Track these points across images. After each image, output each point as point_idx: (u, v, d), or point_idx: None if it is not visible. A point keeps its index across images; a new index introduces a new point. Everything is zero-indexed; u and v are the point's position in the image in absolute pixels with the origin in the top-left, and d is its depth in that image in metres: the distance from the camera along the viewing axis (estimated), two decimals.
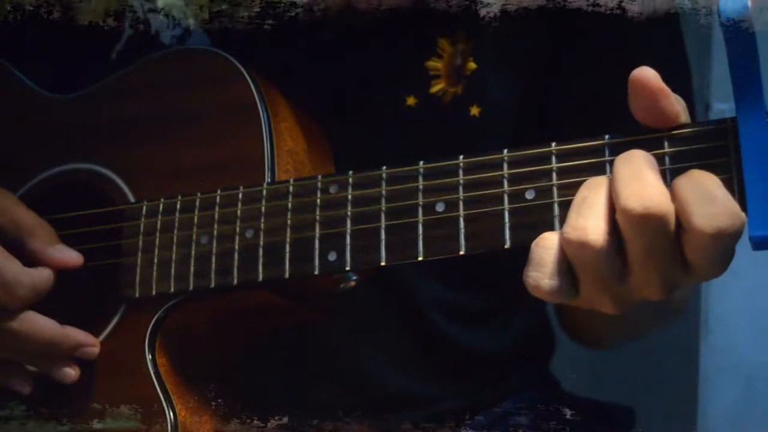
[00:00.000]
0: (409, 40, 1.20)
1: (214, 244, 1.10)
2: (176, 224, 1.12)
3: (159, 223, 1.13)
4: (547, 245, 0.91)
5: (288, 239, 1.06)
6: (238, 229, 1.09)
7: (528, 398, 1.34)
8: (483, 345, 1.31)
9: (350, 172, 1.06)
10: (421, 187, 1.01)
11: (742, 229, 0.88)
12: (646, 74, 0.90)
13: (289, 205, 1.07)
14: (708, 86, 1.85)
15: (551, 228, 0.95)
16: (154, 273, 1.12)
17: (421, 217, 1.01)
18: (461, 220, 0.99)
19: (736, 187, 0.89)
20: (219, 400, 1.16)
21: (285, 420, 1.25)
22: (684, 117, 0.93)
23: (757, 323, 1.80)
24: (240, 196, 1.10)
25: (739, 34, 0.86)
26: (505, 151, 0.98)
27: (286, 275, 1.06)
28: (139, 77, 1.20)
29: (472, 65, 1.20)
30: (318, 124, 1.20)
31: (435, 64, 1.20)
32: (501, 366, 1.33)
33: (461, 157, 1.00)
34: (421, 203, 1.01)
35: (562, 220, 0.93)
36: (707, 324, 1.81)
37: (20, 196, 1.21)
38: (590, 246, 0.89)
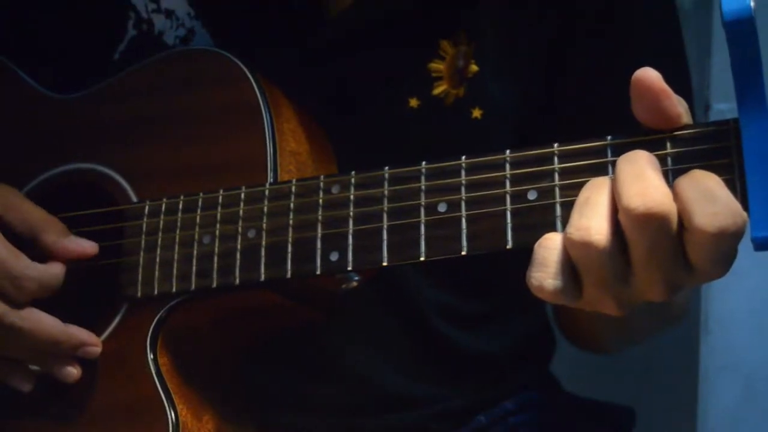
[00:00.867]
0: (412, 42, 1.20)
1: (217, 244, 1.10)
2: (178, 224, 1.12)
3: (161, 222, 1.13)
4: (550, 246, 0.91)
5: (290, 239, 1.07)
6: (240, 229, 1.09)
7: (528, 398, 1.34)
8: (483, 346, 1.31)
9: (352, 172, 1.06)
10: (423, 187, 1.01)
11: (744, 228, 0.88)
12: (649, 75, 0.90)
13: (292, 205, 1.07)
14: (708, 86, 1.85)
15: (553, 229, 0.95)
16: (156, 272, 1.12)
17: (423, 218, 1.01)
18: (463, 220, 0.99)
19: (738, 188, 0.90)
20: (220, 400, 1.16)
21: (286, 420, 1.25)
22: (686, 118, 0.93)
23: (757, 323, 1.80)
24: (242, 196, 1.10)
25: (741, 34, 0.86)
26: (508, 151, 0.99)
27: (288, 275, 1.06)
28: (142, 77, 1.20)
29: (474, 67, 1.20)
30: (320, 124, 1.20)
31: (437, 65, 1.20)
32: (501, 367, 1.33)
33: (463, 157, 1.00)
34: (423, 204, 1.01)
35: (565, 221, 0.93)
36: (707, 324, 1.80)
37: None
38: (593, 246, 0.89)
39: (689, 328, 1.81)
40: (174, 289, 1.12)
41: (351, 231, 1.04)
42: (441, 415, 1.28)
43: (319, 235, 1.05)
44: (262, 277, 1.08)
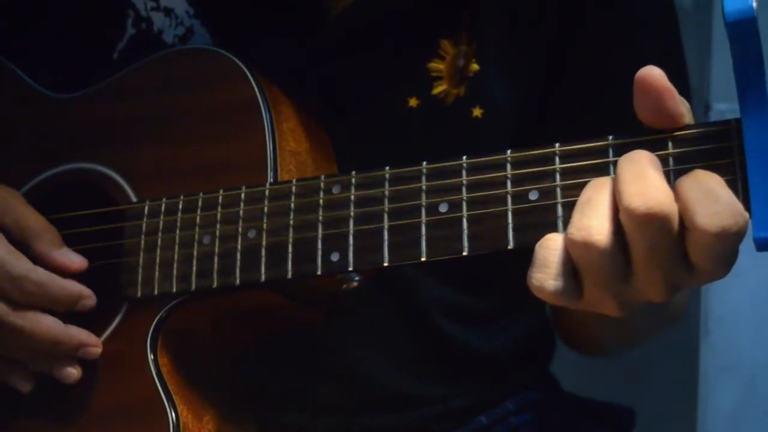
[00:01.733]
0: (412, 42, 1.20)
1: (217, 244, 1.10)
2: (178, 224, 1.12)
3: (161, 222, 1.13)
4: (551, 246, 0.91)
5: (290, 239, 1.06)
6: (240, 229, 1.09)
7: (528, 398, 1.34)
8: (484, 346, 1.31)
9: (353, 172, 1.05)
10: (424, 187, 1.01)
11: (746, 228, 0.88)
12: (653, 73, 0.90)
13: (292, 205, 1.07)
14: (708, 86, 1.85)
15: (555, 229, 0.95)
16: (157, 273, 1.12)
17: (424, 218, 1.01)
18: (464, 220, 0.99)
19: (740, 188, 0.89)
20: (221, 400, 1.16)
21: (287, 419, 1.25)
22: (688, 118, 0.93)
23: (757, 323, 1.80)
24: (242, 196, 1.10)
25: (743, 34, 0.86)
26: (509, 151, 0.98)
27: (289, 275, 1.06)
28: (141, 77, 1.20)
29: (475, 66, 1.20)
30: (320, 124, 1.20)
31: (437, 65, 1.20)
32: (502, 367, 1.33)
33: (464, 157, 1.00)
34: (424, 204, 1.01)
35: (566, 221, 0.93)
36: (707, 324, 1.80)
37: (22, 196, 1.21)
38: (594, 246, 0.89)
39: (689, 328, 1.81)
40: (174, 290, 1.11)
41: (352, 231, 1.04)
42: (442, 415, 1.28)
43: (320, 235, 1.05)
44: (263, 278, 1.07)
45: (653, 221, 0.87)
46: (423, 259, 1.00)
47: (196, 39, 1.24)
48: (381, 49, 1.21)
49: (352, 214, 1.04)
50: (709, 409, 1.80)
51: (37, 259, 1.15)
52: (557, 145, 0.97)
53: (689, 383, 1.82)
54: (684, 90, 1.18)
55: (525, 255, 0.93)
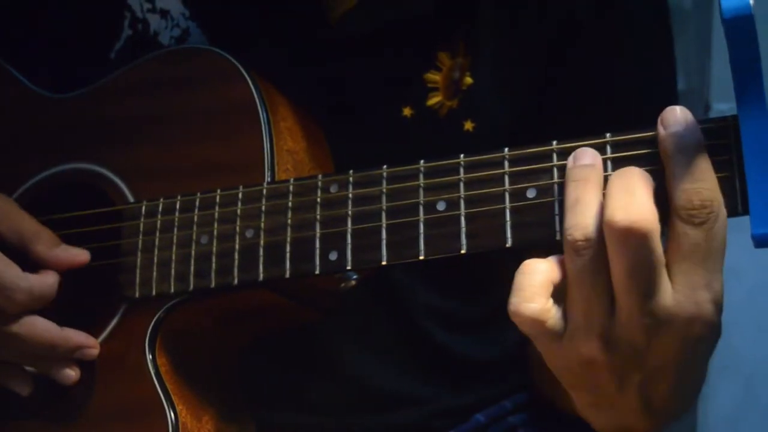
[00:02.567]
0: (410, 52, 1.20)
1: (214, 244, 1.10)
2: (176, 224, 1.12)
3: (159, 222, 1.13)
4: (526, 270, 0.90)
5: (288, 239, 1.06)
6: (238, 229, 1.09)
7: (526, 398, 1.34)
8: (477, 353, 1.31)
9: (351, 171, 1.05)
10: (422, 185, 1.01)
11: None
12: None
13: (290, 204, 1.07)
14: (708, 86, 1.85)
15: (552, 227, 0.94)
16: (154, 273, 1.12)
17: (422, 216, 1.00)
18: (462, 218, 0.99)
19: (738, 185, 0.89)
20: (219, 400, 1.16)
21: (285, 419, 1.25)
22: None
23: (757, 323, 1.80)
24: (240, 195, 1.09)
25: (741, 32, 0.86)
26: (506, 149, 0.98)
27: (287, 275, 1.06)
28: (137, 77, 1.20)
29: (469, 80, 1.20)
30: (317, 123, 1.19)
31: (434, 76, 1.20)
32: (497, 370, 1.33)
33: (462, 155, 1.00)
34: (422, 202, 1.01)
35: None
36: None
37: (19, 197, 1.21)
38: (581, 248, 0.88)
39: None
40: (172, 290, 1.11)
41: (349, 230, 1.04)
42: (439, 414, 1.28)
43: (318, 234, 1.05)
44: (261, 277, 1.07)
45: (633, 236, 0.86)
46: (421, 257, 1.00)
47: (192, 41, 1.24)
48: (379, 57, 1.21)
49: (349, 212, 1.04)
50: (709, 409, 1.79)
51: (39, 263, 1.15)
52: (555, 142, 0.96)
53: None
54: (671, 95, 1.19)
55: (518, 262, 0.92)
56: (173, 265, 1.11)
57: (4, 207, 1.17)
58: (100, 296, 1.15)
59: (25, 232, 1.15)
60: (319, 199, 1.06)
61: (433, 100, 1.20)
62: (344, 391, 1.26)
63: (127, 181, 1.17)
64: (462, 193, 0.99)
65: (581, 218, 0.89)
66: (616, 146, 0.94)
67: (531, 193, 0.96)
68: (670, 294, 0.88)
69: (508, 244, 0.96)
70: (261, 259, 1.07)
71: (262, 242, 1.07)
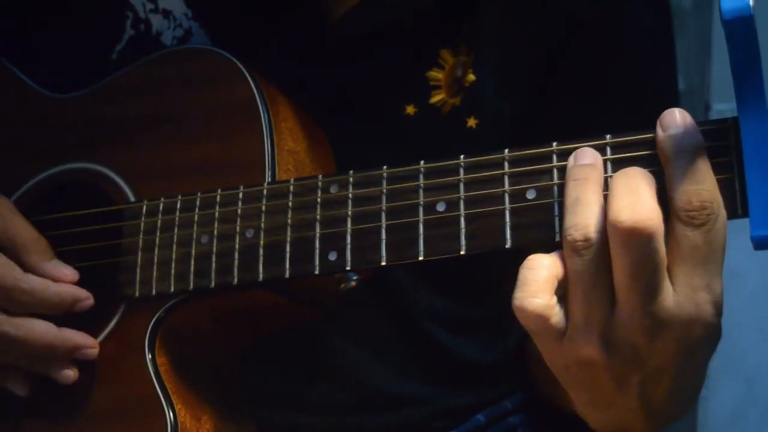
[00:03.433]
0: (412, 50, 1.20)
1: (215, 244, 1.10)
2: (176, 223, 1.12)
3: (159, 222, 1.13)
4: (531, 266, 0.90)
5: (288, 239, 1.06)
6: (238, 229, 1.09)
7: (527, 398, 1.34)
8: (477, 354, 1.31)
9: (351, 171, 1.05)
10: (421, 186, 1.01)
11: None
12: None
13: (290, 204, 1.07)
14: (708, 86, 1.85)
15: (552, 228, 0.94)
16: (155, 272, 1.12)
17: (421, 217, 1.00)
18: (462, 219, 0.99)
19: (738, 186, 0.89)
20: (218, 400, 1.16)
21: (284, 419, 1.25)
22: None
23: (757, 324, 1.80)
24: (240, 195, 1.09)
25: (740, 33, 0.86)
26: (506, 150, 0.98)
27: (287, 275, 1.06)
28: (139, 77, 1.20)
29: (471, 77, 1.20)
30: (318, 124, 1.19)
31: (436, 74, 1.20)
32: (496, 373, 1.32)
33: (462, 156, 1.00)
34: (421, 202, 1.01)
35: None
36: None
37: (20, 196, 1.21)
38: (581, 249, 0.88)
39: None
40: (172, 289, 1.11)
41: (349, 230, 1.04)
42: (439, 414, 1.28)
43: (318, 234, 1.05)
44: (261, 277, 1.07)
45: (638, 237, 0.86)
46: (420, 258, 1.00)
47: (195, 41, 1.24)
48: (381, 56, 1.21)
49: (349, 213, 1.04)
50: (709, 410, 1.80)
51: (29, 270, 1.15)
52: (555, 143, 0.96)
53: None
54: (673, 101, 1.19)
55: (518, 262, 0.92)
56: (173, 265, 1.11)
57: (2, 211, 1.17)
58: (100, 295, 1.15)
59: (19, 240, 1.15)
60: (319, 200, 1.06)
61: (436, 97, 1.21)
62: (344, 392, 1.26)
63: (129, 180, 1.17)
64: (462, 193, 0.99)
65: (581, 218, 0.89)
66: (616, 147, 0.94)
67: (531, 195, 0.96)
68: (671, 295, 0.88)
69: (508, 245, 0.96)
70: (261, 259, 1.07)
71: (262, 242, 1.07)
